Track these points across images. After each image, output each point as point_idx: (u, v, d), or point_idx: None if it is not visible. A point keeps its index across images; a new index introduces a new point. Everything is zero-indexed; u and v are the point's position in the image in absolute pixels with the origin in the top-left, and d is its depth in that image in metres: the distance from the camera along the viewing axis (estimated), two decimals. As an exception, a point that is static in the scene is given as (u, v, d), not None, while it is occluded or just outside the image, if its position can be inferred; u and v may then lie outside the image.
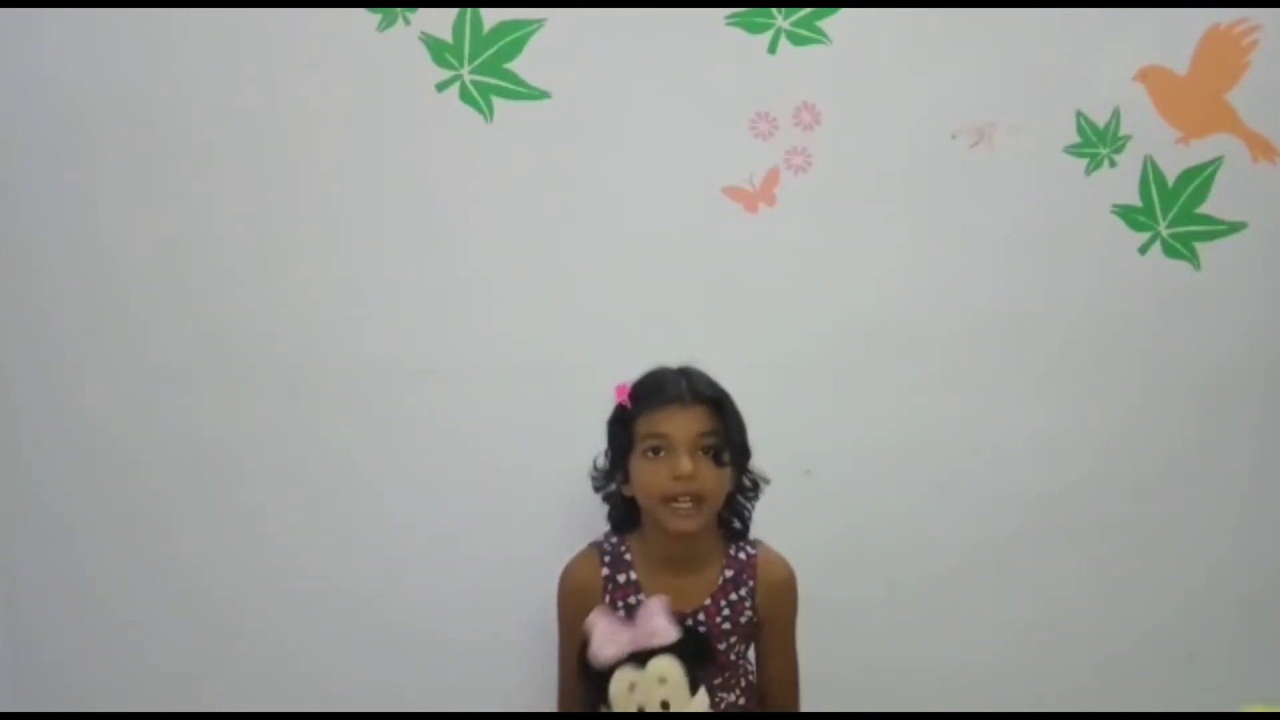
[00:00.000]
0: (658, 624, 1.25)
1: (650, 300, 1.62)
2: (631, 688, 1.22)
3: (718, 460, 1.33)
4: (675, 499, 1.31)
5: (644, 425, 1.33)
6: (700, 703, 1.25)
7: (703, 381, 1.36)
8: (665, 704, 1.22)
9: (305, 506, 1.65)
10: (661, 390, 1.34)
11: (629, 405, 1.36)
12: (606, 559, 1.40)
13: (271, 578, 1.65)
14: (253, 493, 1.65)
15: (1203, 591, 1.69)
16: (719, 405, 1.35)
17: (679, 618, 1.31)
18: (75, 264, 1.62)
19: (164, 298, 1.62)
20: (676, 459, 1.30)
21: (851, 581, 1.64)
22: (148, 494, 1.65)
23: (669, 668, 1.23)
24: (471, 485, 1.63)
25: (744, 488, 1.41)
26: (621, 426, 1.37)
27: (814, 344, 1.63)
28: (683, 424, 1.31)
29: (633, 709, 1.22)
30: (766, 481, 1.43)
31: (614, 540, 1.42)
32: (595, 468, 1.43)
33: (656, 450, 1.32)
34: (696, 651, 1.26)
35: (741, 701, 1.42)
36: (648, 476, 1.32)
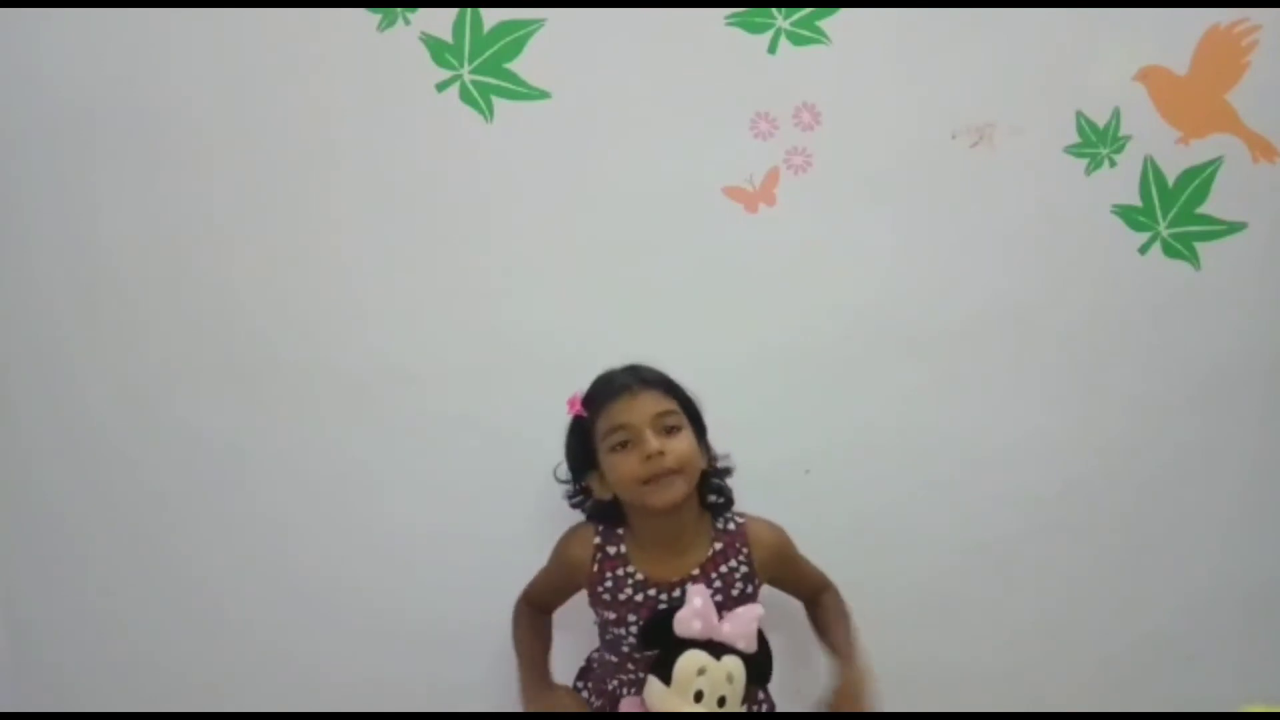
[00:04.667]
0: (749, 631, 1.30)
1: (650, 300, 1.62)
2: (701, 671, 1.27)
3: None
4: (651, 479, 1.34)
5: (603, 423, 1.37)
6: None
7: (648, 370, 1.40)
8: (723, 700, 1.27)
9: (306, 506, 1.65)
10: (610, 386, 1.39)
11: (584, 412, 1.39)
12: (600, 528, 1.43)
13: (272, 577, 1.65)
14: (253, 492, 1.65)
15: (1203, 591, 1.69)
16: (668, 387, 1.39)
17: (668, 588, 1.37)
18: (75, 264, 1.63)
19: (164, 298, 1.63)
20: (643, 442, 1.34)
21: (851, 581, 1.63)
22: (148, 494, 1.65)
23: (739, 671, 1.28)
24: (473, 484, 1.64)
25: (717, 469, 1.44)
26: (579, 435, 1.41)
27: (814, 343, 1.63)
28: (639, 410, 1.35)
29: (691, 690, 1.26)
30: (726, 456, 1.45)
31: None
32: (556, 478, 1.46)
33: (624, 443, 1.35)
34: (761, 670, 1.32)
35: None
36: (621, 468, 1.36)
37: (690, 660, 1.27)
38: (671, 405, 1.37)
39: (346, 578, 1.65)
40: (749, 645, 1.30)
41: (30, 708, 1.67)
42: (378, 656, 1.66)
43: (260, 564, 1.65)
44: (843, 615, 1.48)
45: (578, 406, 1.40)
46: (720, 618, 1.30)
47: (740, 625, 1.30)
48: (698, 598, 1.31)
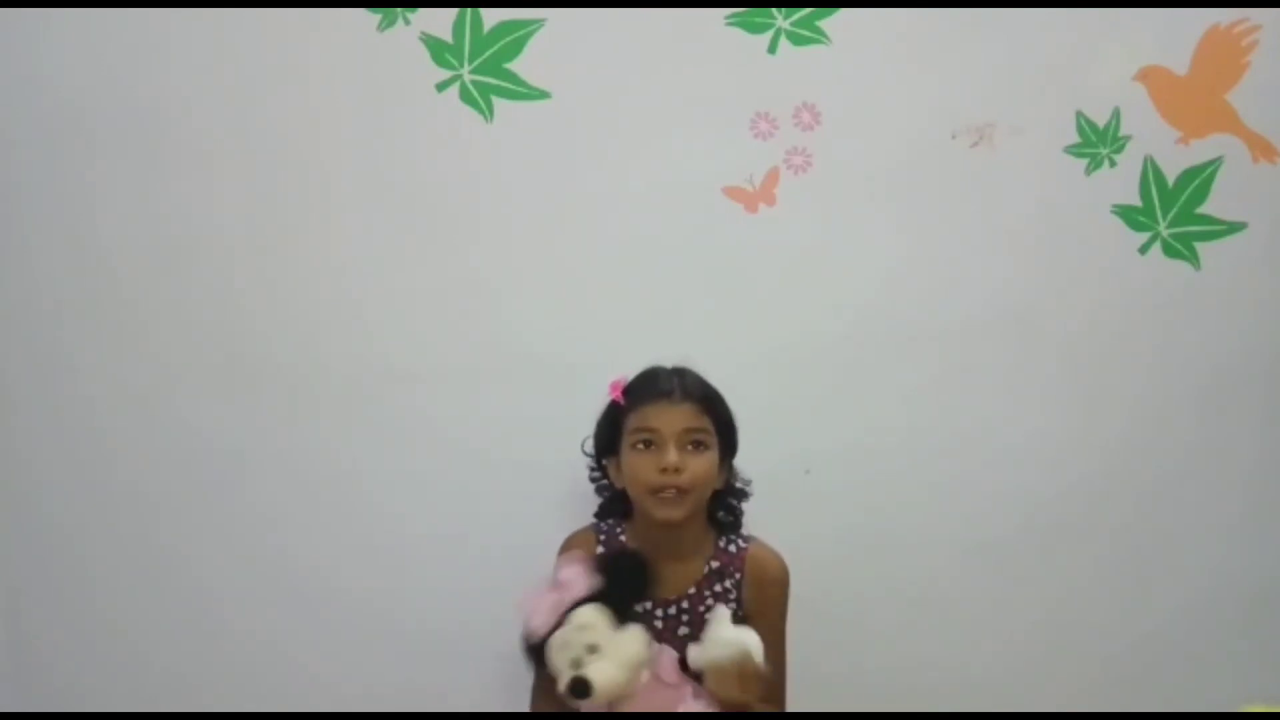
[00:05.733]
0: (566, 576, 1.26)
1: (650, 300, 1.62)
2: (563, 646, 1.23)
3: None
4: (661, 490, 1.34)
5: (634, 419, 1.37)
6: (633, 636, 1.25)
7: (693, 381, 1.40)
8: (593, 647, 1.22)
9: (305, 506, 1.65)
10: (653, 386, 1.39)
11: (622, 401, 1.39)
12: (602, 537, 1.44)
13: (271, 577, 1.65)
14: (252, 493, 1.65)
15: (1204, 591, 1.68)
16: (708, 404, 1.38)
17: (663, 604, 1.37)
18: (75, 264, 1.62)
19: (164, 298, 1.63)
20: (664, 452, 1.34)
21: (851, 581, 1.64)
22: (147, 494, 1.65)
23: (585, 615, 1.24)
24: (471, 485, 1.63)
25: (733, 489, 1.44)
26: (610, 421, 1.41)
27: (814, 344, 1.63)
28: (671, 419, 1.35)
29: (566, 669, 1.22)
30: (748, 482, 1.46)
31: (611, 521, 1.45)
32: (583, 450, 1.46)
33: (646, 443, 1.36)
34: (618, 585, 1.26)
35: None
36: (636, 468, 1.36)
37: (551, 649, 1.23)
38: (704, 423, 1.37)
39: (345, 579, 1.65)
40: (578, 588, 1.25)
41: (30, 708, 1.67)
42: (376, 657, 1.66)
43: (259, 564, 1.65)
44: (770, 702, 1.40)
45: (618, 392, 1.40)
46: (541, 602, 1.26)
47: (561, 585, 1.26)
48: (523, 604, 1.28)
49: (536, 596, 1.28)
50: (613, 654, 1.22)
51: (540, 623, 1.26)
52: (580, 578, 1.27)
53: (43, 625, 1.67)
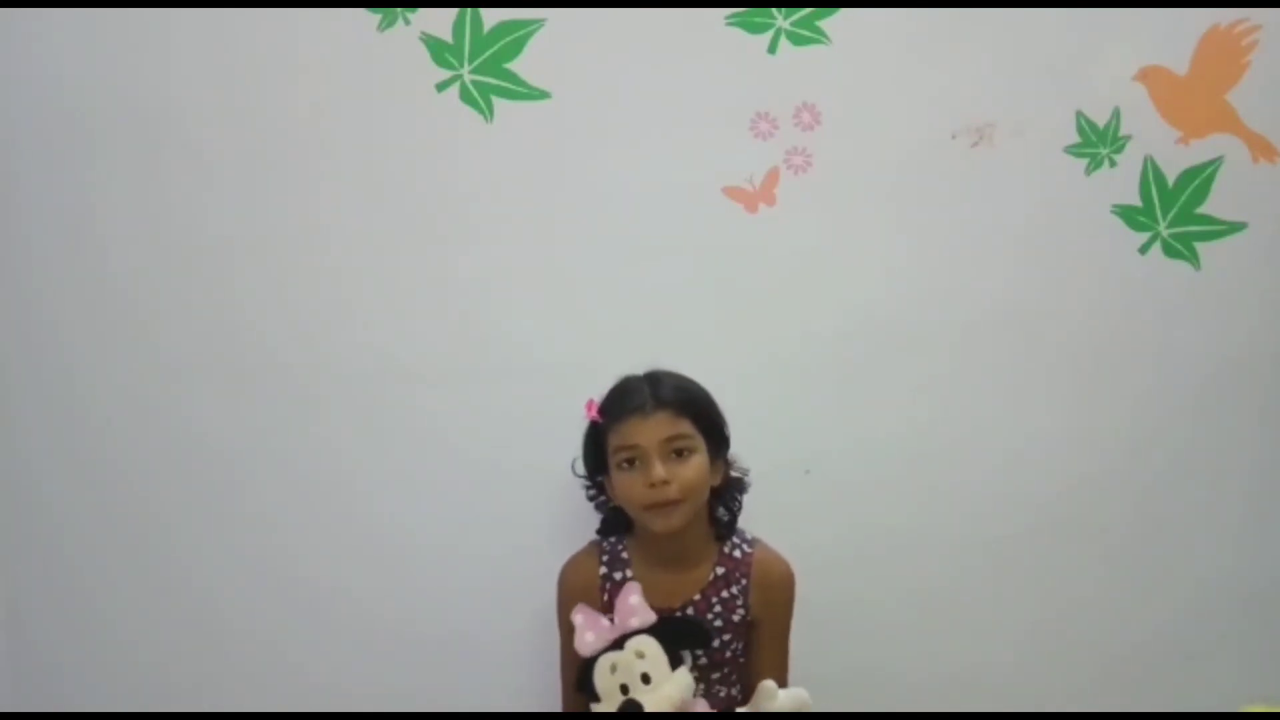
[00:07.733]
0: (633, 603, 1.30)
1: (650, 300, 1.62)
2: (613, 669, 1.27)
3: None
4: (653, 505, 1.33)
5: (614, 438, 1.36)
6: (681, 678, 1.28)
7: (667, 386, 1.37)
8: (645, 676, 1.26)
9: (304, 507, 1.65)
10: (625, 401, 1.37)
11: (600, 420, 1.37)
12: (605, 557, 1.42)
13: (270, 578, 1.65)
14: (252, 493, 1.65)
15: (1204, 591, 1.68)
16: (684, 407, 1.36)
17: (668, 613, 1.36)
18: (75, 264, 1.62)
19: (164, 298, 1.63)
20: (648, 467, 1.32)
21: (851, 581, 1.64)
22: (147, 494, 1.65)
23: (645, 644, 1.27)
24: (470, 486, 1.63)
25: (731, 482, 1.43)
26: (594, 441, 1.40)
27: (814, 344, 1.63)
28: (649, 432, 1.33)
29: (616, 689, 1.26)
30: (747, 472, 1.45)
31: (613, 538, 1.44)
32: (574, 472, 1.46)
33: (630, 461, 1.34)
34: (676, 632, 1.31)
35: (742, 699, 1.42)
36: (626, 488, 1.35)
37: (600, 666, 1.27)
38: (684, 428, 1.34)
39: (345, 579, 1.65)
40: (643, 619, 1.29)
41: (30, 708, 1.67)
42: (376, 658, 1.66)
43: (259, 565, 1.65)
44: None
45: (594, 412, 1.39)
46: (609, 620, 1.31)
47: (623, 610, 1.30)
48: (579, 615, 1.32)
49: (590, 615, 1.32)
50: (662, 689, 1.26)
51: (592, 641, 1.29)
52: (643, 608, 1.30)
53: (43, 626, 1.67)
